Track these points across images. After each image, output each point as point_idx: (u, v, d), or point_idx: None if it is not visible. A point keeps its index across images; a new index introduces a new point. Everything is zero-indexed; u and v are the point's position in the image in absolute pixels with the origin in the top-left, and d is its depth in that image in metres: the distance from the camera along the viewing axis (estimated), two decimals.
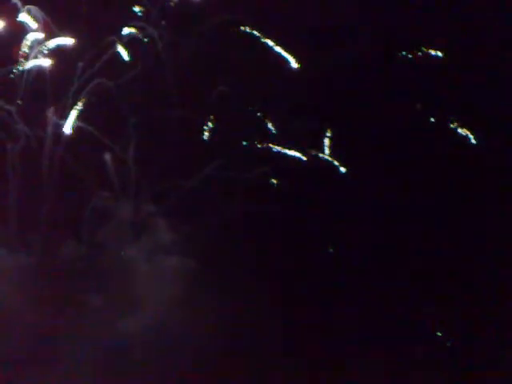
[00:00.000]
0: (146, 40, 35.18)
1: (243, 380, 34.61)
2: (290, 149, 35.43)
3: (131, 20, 35.14)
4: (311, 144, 35.56)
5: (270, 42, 34.89)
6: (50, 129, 35.04)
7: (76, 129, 35.24)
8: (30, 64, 34.76)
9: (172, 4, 34.99)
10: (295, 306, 35.41)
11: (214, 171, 35.39)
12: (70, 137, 35.24)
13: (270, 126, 35.57)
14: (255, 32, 34.77)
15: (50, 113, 35.04)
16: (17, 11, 34.73)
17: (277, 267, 35.44)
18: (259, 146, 35.62)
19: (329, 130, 35.65)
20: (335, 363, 34.63)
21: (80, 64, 35.06)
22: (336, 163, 35.59)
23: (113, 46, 34.94)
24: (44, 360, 34.74)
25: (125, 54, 35.02)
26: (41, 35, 34.85)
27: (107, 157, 35.49)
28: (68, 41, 34.99)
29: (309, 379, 35.08)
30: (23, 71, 34.77)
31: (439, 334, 35.50)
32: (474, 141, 35.50)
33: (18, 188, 34.67)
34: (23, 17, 34.70)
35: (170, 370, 34.64)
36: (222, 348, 34.44)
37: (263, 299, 34.76)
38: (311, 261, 35.67)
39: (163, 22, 35.01)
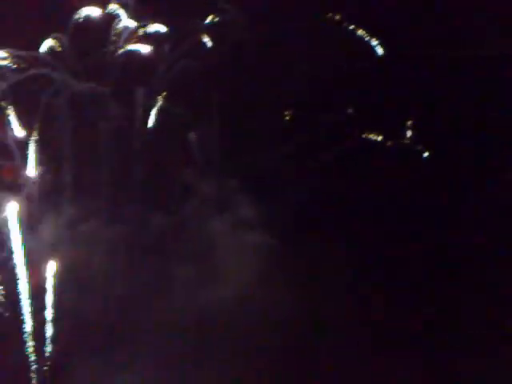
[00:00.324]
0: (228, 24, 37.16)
1: (319, 353, 35.65)
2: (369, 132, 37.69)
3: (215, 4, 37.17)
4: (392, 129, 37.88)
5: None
6: (139, 109, 36.76)
7: (163, 109, 37.04)
8: (120, 48, 36.56)
9: None
10: (370, 283, 36.60)
11: (294, 150, 37.26)
12: (158, 116, 37.02)
13: (350, 110, 37.64)
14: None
15: (140, 94, 36.80)
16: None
17: (355, 245, 36.75)
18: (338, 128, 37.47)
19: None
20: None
21: (166, 47, 36.95)
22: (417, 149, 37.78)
23: (198, 29, 36.98)
24: (131, 329, 36.07)
25: (208, 38, 37.09)
26: (130, 21, 36.71)
27: (192, 135, 37.35)
28: (155, 26, 36.89)
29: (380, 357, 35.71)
30: (115, 55, 36.54)
31: None
32: None
33: (111, 165, 36.25)
34: (113, 4, 36.58)
35: (249, 341, 35.82)
36: (300, 323, 35.70)
37: (340, 277, 36.09)
38: (387, 239, 36.89)
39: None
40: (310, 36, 37.25)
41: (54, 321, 34.56)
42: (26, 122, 35.10)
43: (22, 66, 35.10)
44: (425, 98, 37.93)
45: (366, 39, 37.76)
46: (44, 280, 34.54)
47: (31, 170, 35.07)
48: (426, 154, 38.32)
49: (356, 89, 38.03)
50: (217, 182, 37.58)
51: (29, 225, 34.57)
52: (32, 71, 35.12)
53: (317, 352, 35.77)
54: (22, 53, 35.14)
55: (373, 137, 38.48)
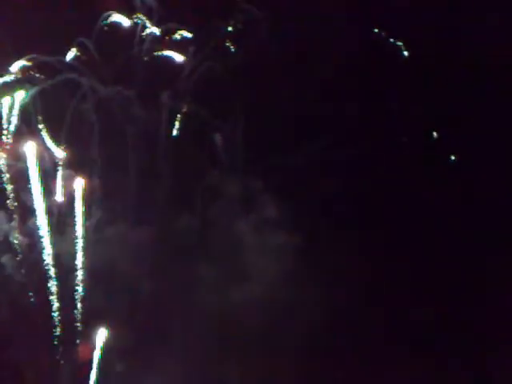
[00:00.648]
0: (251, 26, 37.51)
1: (345, 355, 35.97)
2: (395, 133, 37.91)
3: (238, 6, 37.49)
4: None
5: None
6: (164, 111, 37.28)
7: (188, 111, 37.54)
8: (145, 53, 37.07)
9: None
10: (397, 283, 36.66)
11: (319, 150, 37.55)
12: (183, 118, 37.53)
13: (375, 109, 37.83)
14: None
15: (165, 97, 37.30)
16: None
17: (381, 245, 36.93)
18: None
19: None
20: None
21: (191, 50, 37.39)
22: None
23: (221, 31, 37.37)
24: (158, 329, 36.74)
25: (232, 40, 37.47)
26: (155, 25, 37.19)
27: (217, 137, 37.82)
28: (180, 30, 37.33)
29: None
30: (140, 59, 37.06)
31: None
32: None
33: (137, 167, 36.85)
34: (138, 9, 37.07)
35: (276, 341, 36.49)
36: (325, 324, 35.86)
37: (366, 276, 36.27)
38: (414, 239, 37.04)
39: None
40: (332, 35, 37.40)
41: (85, 321, 35.39)
42: (54, 127, 35.67)
43: (50, 71, 35.68)
44: (450, 99, 37.94)
45: (390, 39, 37.82)
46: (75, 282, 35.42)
47: (61, 173, 35.76)
48: (452, 157, 38.47)
49: (381, 88, 38.09)
50: (242, 182, 37.91)
51: (59, 228, 35.40)
52: (59, 77, 35.66)
53: (342, 352, 36.12)
54: (50, 58, 35.71)
55: (398, 136, 38.52)
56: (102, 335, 35.31)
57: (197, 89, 37.67)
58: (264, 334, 36.40)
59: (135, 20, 37.06)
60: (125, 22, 36.95)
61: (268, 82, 37.63)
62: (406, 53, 38.50)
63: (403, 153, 38.22)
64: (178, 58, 37.49)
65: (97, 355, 35.38)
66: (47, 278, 34.90)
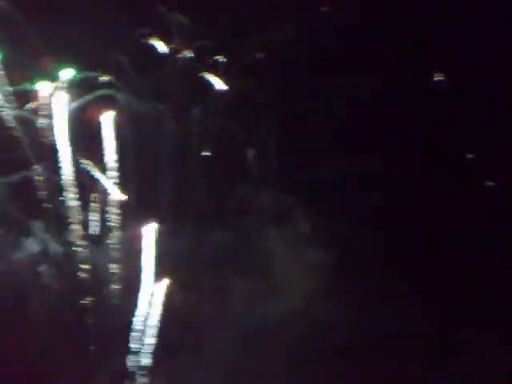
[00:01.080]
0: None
1: (379, 370, 35.90)
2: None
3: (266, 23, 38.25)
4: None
5: None
6: (196, 126, 37.90)
7: (220, 125, 38.14)
8: (178, 68, 37.87)
9: None
10: (438, 300, 36.39)
11: (351, 164, 37.64)
12: (215, 133, 38.13)
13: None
14: None
15: (198, 112, 37.95)
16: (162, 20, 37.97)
17: (418, 261, 36.75)
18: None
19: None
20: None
21: (223, 65, 38.12)
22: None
23: (251, 48, 38.14)
24: (192, 342, 36.87)
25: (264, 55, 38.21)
26: (187, 41, 38.03)
27: (249, 151, 38.31)
28: (212, 45, 38.13)
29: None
30: (172, 76, 37.82)
31: None
32: None
33: (169, 181, 37.33)
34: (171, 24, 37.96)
35: (308, 356, 36.58)
36: (360, 341, 36.02)
37: (404, 293, 36.04)
38: (454, 255, 36.90)
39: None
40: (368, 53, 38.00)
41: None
42: (91, 142, 36.34)
43: (87, 87, 36.47)
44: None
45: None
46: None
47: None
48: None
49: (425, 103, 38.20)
50: (276, 196, 38.20)
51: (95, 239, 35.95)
52: (97, 92, 36.45)
53: (377, 368, 36.01)
54: (87, 73, 36.53)
55: (437, 148, 38.58)
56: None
57: (229, 104, 38.18)
58: (299, 347, 36.49)
59: (169, 38, 37.82)
60: (157, 36, 37.66)
61: (299, 96, 38.21)
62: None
63: (446, 168, 38.16)
64: (211, 75, 38.12)
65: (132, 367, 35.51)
66: (86, 288, 35.26)
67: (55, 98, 35.63)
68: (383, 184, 37.59)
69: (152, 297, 36.41)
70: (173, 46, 38.00)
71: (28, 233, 35.62)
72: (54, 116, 35.70)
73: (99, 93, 36.42)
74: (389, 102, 38.10)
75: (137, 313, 35.86)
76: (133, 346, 35.72)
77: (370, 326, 36.35)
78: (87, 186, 36.17)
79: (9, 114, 35.40)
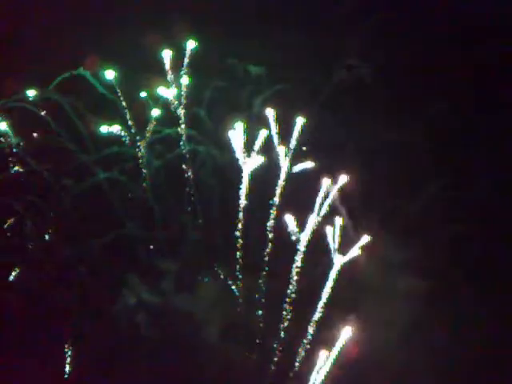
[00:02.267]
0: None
1: None
2: None
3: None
4: None
5: None
6: (279, 169, 38.81)
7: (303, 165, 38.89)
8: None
9: None
10: None
11: (440, 190, 37.53)
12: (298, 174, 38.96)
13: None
14: None
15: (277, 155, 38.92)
16: None
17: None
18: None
19: None
20: None
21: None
22: None
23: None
24: None
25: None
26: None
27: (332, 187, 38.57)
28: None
29: None
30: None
31: None
32: None
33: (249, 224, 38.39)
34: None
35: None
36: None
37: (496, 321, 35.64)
38: None
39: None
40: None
41: None
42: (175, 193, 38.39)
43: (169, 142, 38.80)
44: None
45: None
46: None
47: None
48: None
49: None
50: (362, 226, 38.19)
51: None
52: (179, 150, 38.70)
53: None
54: (169, 130, 38.88)
55: None
56: None
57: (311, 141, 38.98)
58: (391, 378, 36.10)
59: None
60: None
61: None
62: None
63: None
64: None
65: None
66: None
67: None
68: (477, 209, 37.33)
69: None
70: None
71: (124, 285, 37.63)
72: None
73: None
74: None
75: None
76: None
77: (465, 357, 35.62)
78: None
79: None
